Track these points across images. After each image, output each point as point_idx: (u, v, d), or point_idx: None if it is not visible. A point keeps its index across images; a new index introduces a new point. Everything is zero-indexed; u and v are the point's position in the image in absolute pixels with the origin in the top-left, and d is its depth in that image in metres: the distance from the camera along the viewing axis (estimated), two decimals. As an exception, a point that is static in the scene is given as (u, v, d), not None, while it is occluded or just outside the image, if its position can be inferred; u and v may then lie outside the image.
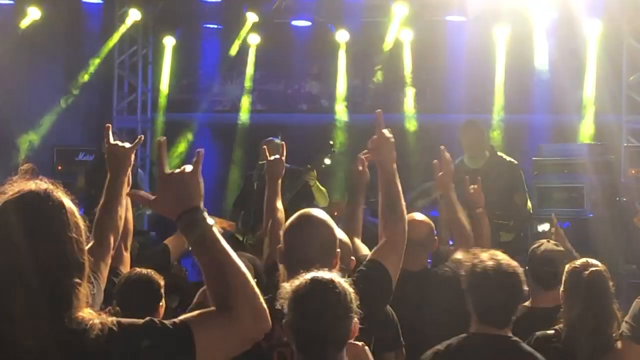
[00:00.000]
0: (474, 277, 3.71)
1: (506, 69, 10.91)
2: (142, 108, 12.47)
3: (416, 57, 11.35)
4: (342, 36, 11.53)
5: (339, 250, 3.37)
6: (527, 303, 4.93)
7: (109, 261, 3.81)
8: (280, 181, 4.80)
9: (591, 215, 9.27)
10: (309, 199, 7.84)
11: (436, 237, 5.13)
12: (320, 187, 8.07)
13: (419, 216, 5.12)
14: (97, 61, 11.58)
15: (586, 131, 10.43)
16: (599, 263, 4.17)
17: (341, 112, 11.68)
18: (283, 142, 4.93)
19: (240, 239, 7.95)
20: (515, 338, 3.76)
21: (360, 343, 2.96)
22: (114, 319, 2.25)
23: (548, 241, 4.89)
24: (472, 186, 5.61)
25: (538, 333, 4.15)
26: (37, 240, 2.20)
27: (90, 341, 2.17)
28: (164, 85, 12.12)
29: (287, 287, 2.77)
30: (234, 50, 11.92)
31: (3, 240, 2.21)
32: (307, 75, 12.77)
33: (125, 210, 3.99)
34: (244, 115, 12.11)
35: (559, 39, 10.82)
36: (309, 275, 2.77)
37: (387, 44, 11.22)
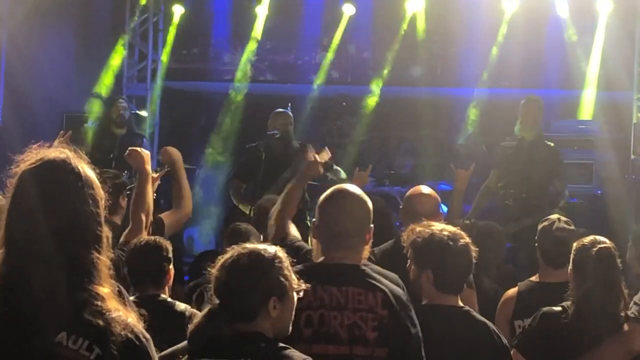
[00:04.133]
0: (433, 246, 3.70)
1: (517, 44, 10.84)
2: (152, 76, 12.46)
3: (428, 30, 11.29)
4: (348, 10, 11.51)
5: (372, 225, 3.41)
6: (534, 278, 4.91)
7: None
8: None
9: (600, 192, 9.26)
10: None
11: (442, 212, 5.10)
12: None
13: (425, 189, 5.09)
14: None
15: (596, 108, 10.37)
16: (607, 240, 4.15)
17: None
18: (327, 148, 5.02)
19: (247, 211, 7.80)
20: (468, 308, 3.80)
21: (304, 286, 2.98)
22: (142, 330, 2.25)
23: (559, 219, 4.82)
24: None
25: (544, 309, 4.13)
26: (52, 211, 2.20)
27: (110, 338, 2.17)
28: (174, 54, 12.09)
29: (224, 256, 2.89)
30: (244, 18, 11.86)
31: (20, 210, 2.22)
32: (318, 46, 12.71)
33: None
34: (240, 83, 12.03)
35: (572, 13, 10.74)
36: (238, 248, 2.90)
37: (400, 16, 11.16)
